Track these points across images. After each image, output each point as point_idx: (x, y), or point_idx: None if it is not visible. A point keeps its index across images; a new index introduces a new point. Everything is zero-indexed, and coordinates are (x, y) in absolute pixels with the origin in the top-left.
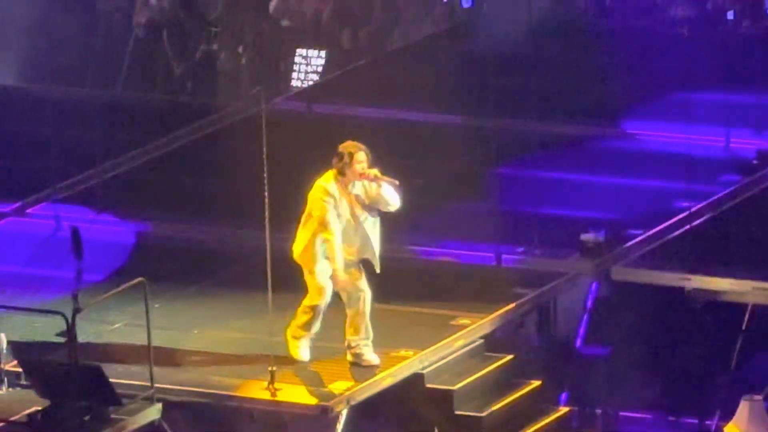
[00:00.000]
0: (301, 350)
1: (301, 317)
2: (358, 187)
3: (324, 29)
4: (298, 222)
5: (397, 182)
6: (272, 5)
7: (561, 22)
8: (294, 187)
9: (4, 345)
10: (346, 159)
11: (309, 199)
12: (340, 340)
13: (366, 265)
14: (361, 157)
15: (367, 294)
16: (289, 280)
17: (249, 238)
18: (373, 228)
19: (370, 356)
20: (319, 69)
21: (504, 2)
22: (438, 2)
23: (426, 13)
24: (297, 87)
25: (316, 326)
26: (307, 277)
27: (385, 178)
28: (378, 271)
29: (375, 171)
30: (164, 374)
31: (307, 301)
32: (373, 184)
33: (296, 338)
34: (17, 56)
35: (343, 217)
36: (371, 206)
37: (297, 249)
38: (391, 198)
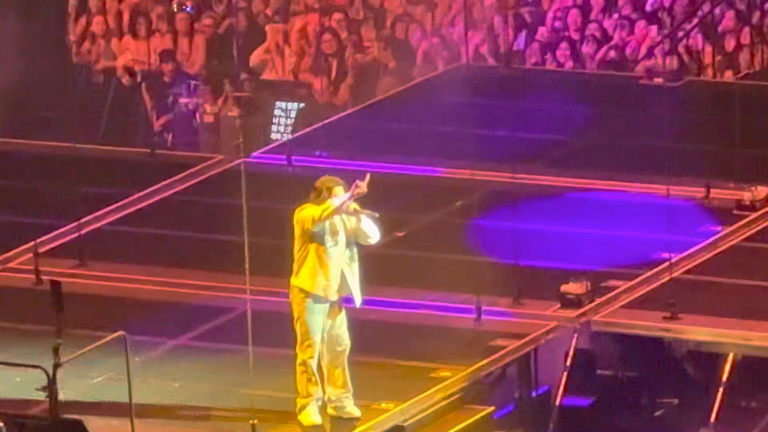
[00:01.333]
0: (312, 416)
1: (300, 380)
2: (336, 222)
3: (303, 82)
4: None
5: (376, 215)
6: (253, 58)
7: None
8: (275, 239)
9: None
10: (325, 194)
11: (295, 222)
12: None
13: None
14: (339, 191)
15: (347, 345)
16: (271, 334)
17: (230, 291)
18: (351, 262)
19: (352, 408)
20: (299, 122)
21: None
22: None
23: (404, 65)
24: (276, 139)
25: (318, 388)
26: (295, 324)
27: (365, 211)
28: (358, 304)
29: (354, 205)
30: (145, 428)
31: (298, 355)
32: (352, 218)
33: (303, 406)
34: None
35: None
36: (350, 240)
37: (294, 274)
38: (370, 231)
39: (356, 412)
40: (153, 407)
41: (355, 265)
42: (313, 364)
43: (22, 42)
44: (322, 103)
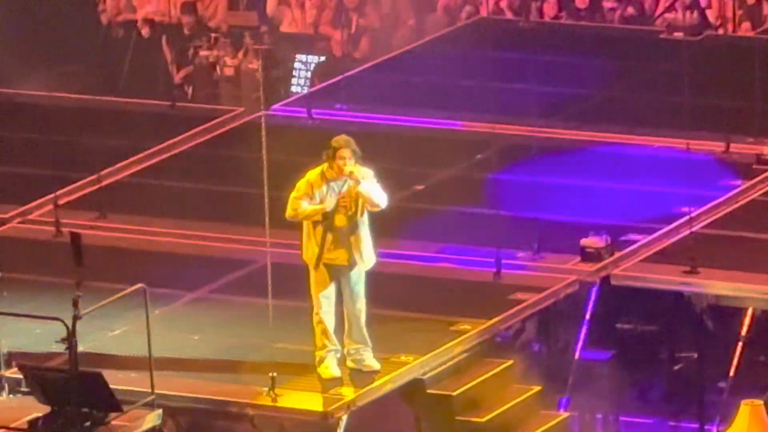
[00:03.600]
0: (330, 368)
1: (317, 333)
2: (345, 186)
3: (322, 35)
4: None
5: (371, 172)
6: (269, 8)
7: (562, 28)
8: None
9: (5, 351)
10: (330, 153)
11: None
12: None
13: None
14: (345, 153)
15: (363, 303)
16: (290, 286)
17: (249, 243)
18: (355, 227)
19: (371, 362)
20: (319, 75)
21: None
22: (436, 7)
23: (425, 18)
24: (296, 92)
25: (333, 339)
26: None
27: (357, 175)
28: (363, 268)
29: (351, 168)
30: (165, 380)
31: (314, 309)
32: (349, 183)
33: (321, 359)
34: (19, 63)
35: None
36: (350, 206)
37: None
38: (375, 197)
39: (375, 365)
40: (172, 360)
41: (362, 230)
42: (327, 318)
43: None
44: (342, 56)
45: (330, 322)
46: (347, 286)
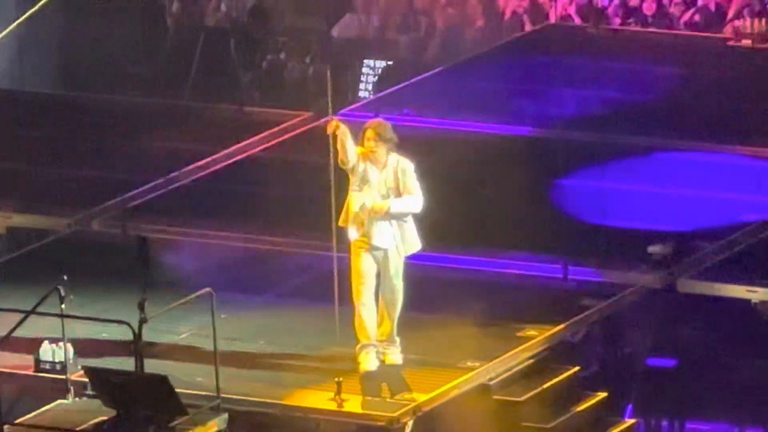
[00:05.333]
0: (365, 363)
1: (355, 325)
2: (379, 174)
3: (391, 40)
4: None
5: (386, 210)
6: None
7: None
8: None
9: (71, 355)
10: (361, 134)
11: None
12: (407, 350)
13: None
14: (368, 134)
15: (397, 296)
16: None
17: (316, 248)
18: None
19: (394, 357)
20: (386, 79)
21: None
22: (504, 14)
23: (491, 25)
24: (364, 97)
25: (371, 331)
26: None
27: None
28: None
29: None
30: (230, 384)
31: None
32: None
33: (358, 353)
34: (85, 65)
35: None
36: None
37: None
38: (407, 212)
39: (398, 360)
40: (238, 364)
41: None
42: (363, 310)
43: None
44: (410, 62)
45: (367, 315)
46: (386, 275)
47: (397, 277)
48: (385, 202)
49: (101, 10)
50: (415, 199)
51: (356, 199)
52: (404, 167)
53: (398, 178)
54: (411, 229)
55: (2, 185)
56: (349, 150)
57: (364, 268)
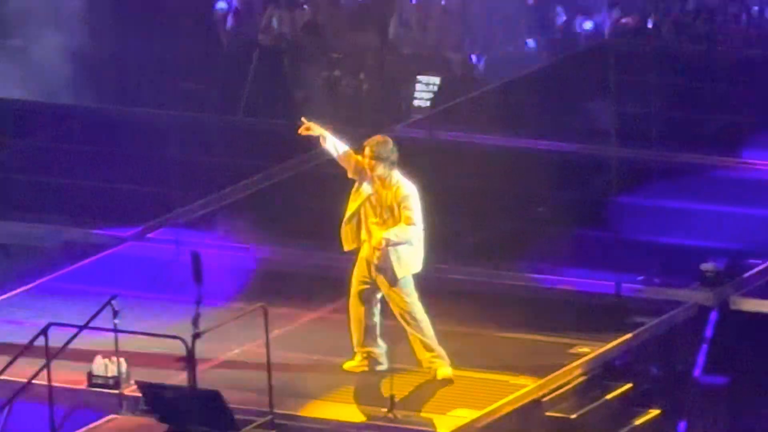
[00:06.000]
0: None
1: None
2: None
3: (444, 56)
4: None
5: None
6: (392, 30)
7: (684, 52)
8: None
9: (124, 370)
10: (361, 151)
11: None
12: (460, 365)
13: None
14: (366, 152)
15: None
16: None
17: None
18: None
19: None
20: (440, 96)
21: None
22: (557, 30)
23: (545, 42)
24: (418, 113)
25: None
26: None
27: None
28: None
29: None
30: (283, 400)
31: None
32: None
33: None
34: (141, 81)
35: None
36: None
37: None
38: (402, 241)
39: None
40: (291, 380)
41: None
42: (354, 319)
43: (173, 15)
44: (463, 78)
45: (355, 324)
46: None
47: (402, 301)
48: (379, 237)
49: (155, 26)
50: (409, 230)
51: (349, 208)
52: (405, 193)
53: (397, 201)
54: (410, 251)
55: (57, 200)
56: (330, 146)
57: (354, 272)
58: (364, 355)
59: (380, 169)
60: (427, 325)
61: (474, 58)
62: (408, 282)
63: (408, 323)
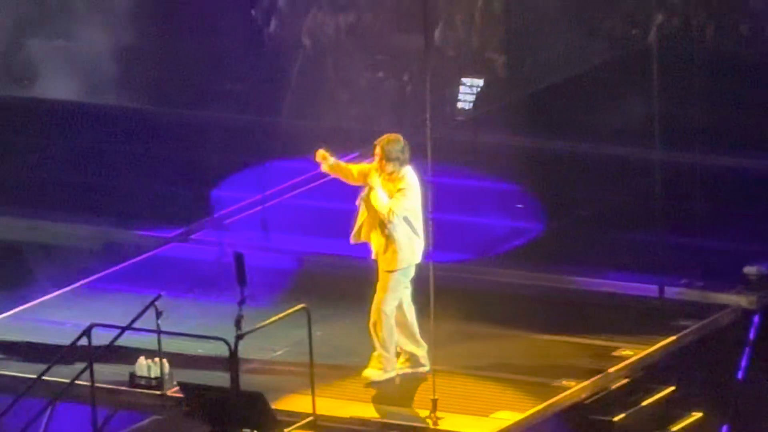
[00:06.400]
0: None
1: None
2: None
3: (489, 58)
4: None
5: (374, 184)
6: (436, 31)
7: (728, 54)
8: (459, 214)
9: (167, 371)
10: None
11: None
12: (503, 368)
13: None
14: (376, 150)
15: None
16: (453, 308)
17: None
18: (388, 229)
19: (367, 372)
20: (484, 98)
21: (676, 32)
22: (601, 32)
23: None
24: (462, 115)
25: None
26: None
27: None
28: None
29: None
30: (325, 401)
31: None
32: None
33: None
34: (184, 82)
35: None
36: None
37: None
38: (377, 205)
39: (369, 376)
40: (333, 381)
41: (389, 232)
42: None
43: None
44: (508, 80)
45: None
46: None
47: (382, 290)
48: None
49: (198, 26)
50: (387, 201)
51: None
52: (404, 184)
53: (396, 189)
54: (397, 248)
55: (100, 201)
56: (347, 172)
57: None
58: (407, 356)
59: (390, 167)
60: (388, 327)
61: (517, 60)
62: (394, 277)
63: (373, 313)
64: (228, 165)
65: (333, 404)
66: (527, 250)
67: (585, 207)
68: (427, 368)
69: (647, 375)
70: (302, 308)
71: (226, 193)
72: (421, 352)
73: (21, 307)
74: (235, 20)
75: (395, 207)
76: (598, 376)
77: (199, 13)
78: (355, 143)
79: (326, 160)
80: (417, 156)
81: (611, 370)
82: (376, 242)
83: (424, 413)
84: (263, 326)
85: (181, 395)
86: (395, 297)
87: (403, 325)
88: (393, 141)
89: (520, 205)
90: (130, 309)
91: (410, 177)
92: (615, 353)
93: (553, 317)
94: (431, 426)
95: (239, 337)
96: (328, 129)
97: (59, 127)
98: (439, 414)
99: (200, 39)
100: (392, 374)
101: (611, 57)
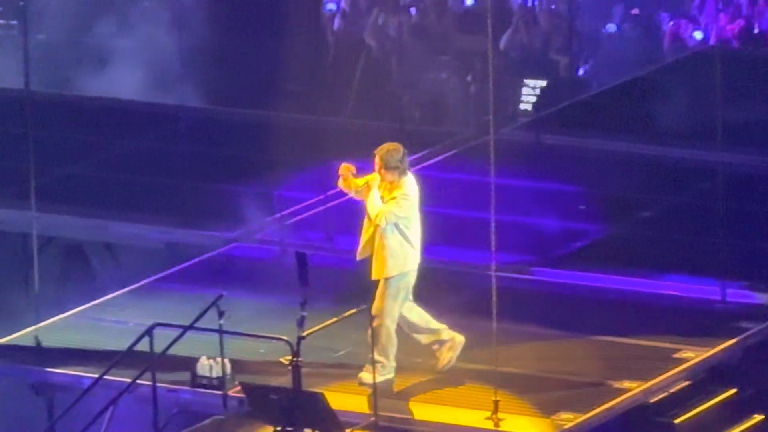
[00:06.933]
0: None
1: None
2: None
3: (552, 59)
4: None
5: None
6: (503, 38)
7: None
8: (521, 216)
9: (228, 371)
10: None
11: None
12: (564, 369)
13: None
14: (376, 160)
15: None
16: (516, 310)
17: (475, 266)
18: (381, 236)
19: (362, 374)
20: (547, 99)
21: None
22: (662, 34)
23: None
24: (525, 117)
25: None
26: None
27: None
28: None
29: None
30: (387, 402)
31: None
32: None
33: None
34: (248, 82)
35: None
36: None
37: None
38: (369, 208)
39: (364, 379)
40: (395, 381)
41: (382, 240)
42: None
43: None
44: (570, 82)
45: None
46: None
47: (380, 298)
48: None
49: (262, 26)
50: (380, 209)
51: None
52: (401, 192)
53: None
54: (387, 255)
55: (161, 201)
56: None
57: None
58: (436, 346)
59: (390, 176)
60: (388, 335)
61: (579, 61)
62: (390, 284)
63: (374, 321)
64: (291, 165)
65: (394, 405)
66: (588, 252)
67: (647, 208)
68: (460, 338)
69: (709, 377)
70: (364, 308)
71: (289, 193)
72: (444, 333)
73: (84, 306)
74: (299, 21)
75: (386, 211)
76: (660, 377)
77: (262, 13)
78: (418, 144)
79: (348, 175)
80: (480, 157)
81: (673, 372)
82: (373, 253)
83: (485, 414)
84: (325, 326)
85: (242, 395)
86: (396, 305)
87: (413, 321)
88: (392, 150)
89: (581, 207)
90: (192, 309)
91: (408, 186)
92: (676, 355)
93: (614, 319)
94: (493, 427)
95: (301, 338)
96: (391, 129)
97: (123, 126)
98: (500, 415)
99: (264, 39)
100: (389, 376)
101: (674, 58)
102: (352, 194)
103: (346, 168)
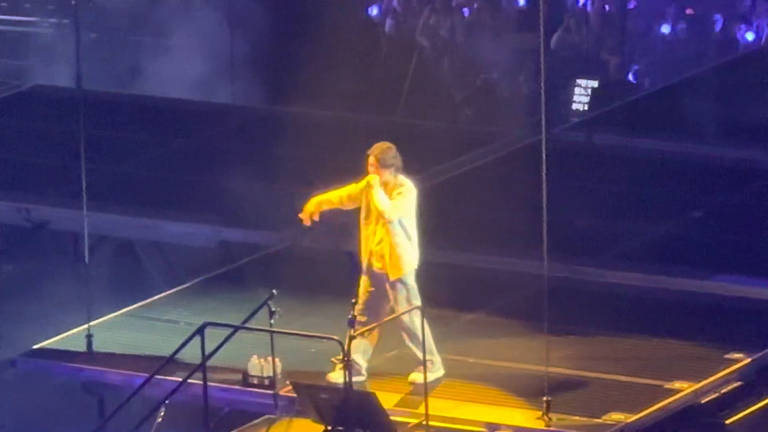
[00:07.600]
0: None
1: None
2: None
3: (604, 59)
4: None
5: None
6: (554, 38)
7: None
8: (572, 217)
9: (279, 370)
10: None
11: None
12: (615, 369)
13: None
14: (370, 160)
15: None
16: (567, 311)
17: (526, 266)
18: (388, 235)
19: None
20: (599, 99)
21: None
22: (716, 36)
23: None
24: (577, 116)
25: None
26: None
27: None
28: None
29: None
30: (438, 404)
31: None
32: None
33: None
34: (300, 81)
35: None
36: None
37: None
38: (379, 205)
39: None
40: (446, 383)
41: (390, 238)
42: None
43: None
44: (623, 82)
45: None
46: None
47: (399, 304)
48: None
49: (315, 25)
50: (389, 204)
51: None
52: (402, 188)
53: (393, 193)
54: (400, 254)
55: (213, 199)
56: (335, 202)
57: (363, 284)
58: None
59: (386, 175)
60: (414, 327)
61: (630, 62)
62: (407, 284)
63: (405, 330)
64: (343, 165)
65: (444, 405)
66: (640, 253)
67: (698, 208)
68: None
69: (760, 378)
70: (416, 308)
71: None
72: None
73: (135, 305)
74: (351, 20)
75: (397, 205)
76: (711, 378)
77: (315, 12)
78: (468, 143)
79: (309, 215)
80: (532, 157)
81: (724, 372)
82: (377, 257)
83: (536, 414)
84: (376, 326)
85: (293, 395)
86: (417, 299)
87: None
88: (386, 149)
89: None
90: (243, 308)
91: (408, 183)
92: (727, 356)
93: (665, 319)
94: (544, 427)
95: (352, 338)
96: (443, 129)
97: (174, 125)
98: (551, 415)
99: (317, 38)
100: (439, 374)
101: (726, 60)
102: (336, 207)
103: (306, 213)
